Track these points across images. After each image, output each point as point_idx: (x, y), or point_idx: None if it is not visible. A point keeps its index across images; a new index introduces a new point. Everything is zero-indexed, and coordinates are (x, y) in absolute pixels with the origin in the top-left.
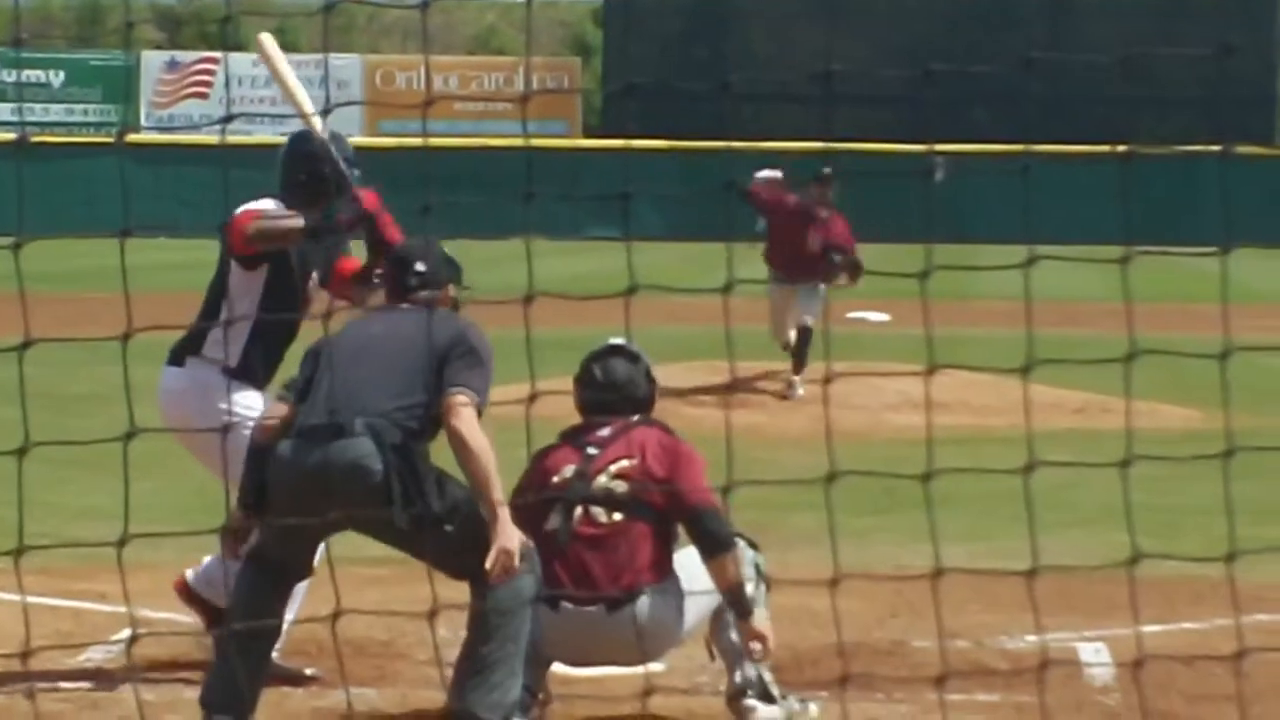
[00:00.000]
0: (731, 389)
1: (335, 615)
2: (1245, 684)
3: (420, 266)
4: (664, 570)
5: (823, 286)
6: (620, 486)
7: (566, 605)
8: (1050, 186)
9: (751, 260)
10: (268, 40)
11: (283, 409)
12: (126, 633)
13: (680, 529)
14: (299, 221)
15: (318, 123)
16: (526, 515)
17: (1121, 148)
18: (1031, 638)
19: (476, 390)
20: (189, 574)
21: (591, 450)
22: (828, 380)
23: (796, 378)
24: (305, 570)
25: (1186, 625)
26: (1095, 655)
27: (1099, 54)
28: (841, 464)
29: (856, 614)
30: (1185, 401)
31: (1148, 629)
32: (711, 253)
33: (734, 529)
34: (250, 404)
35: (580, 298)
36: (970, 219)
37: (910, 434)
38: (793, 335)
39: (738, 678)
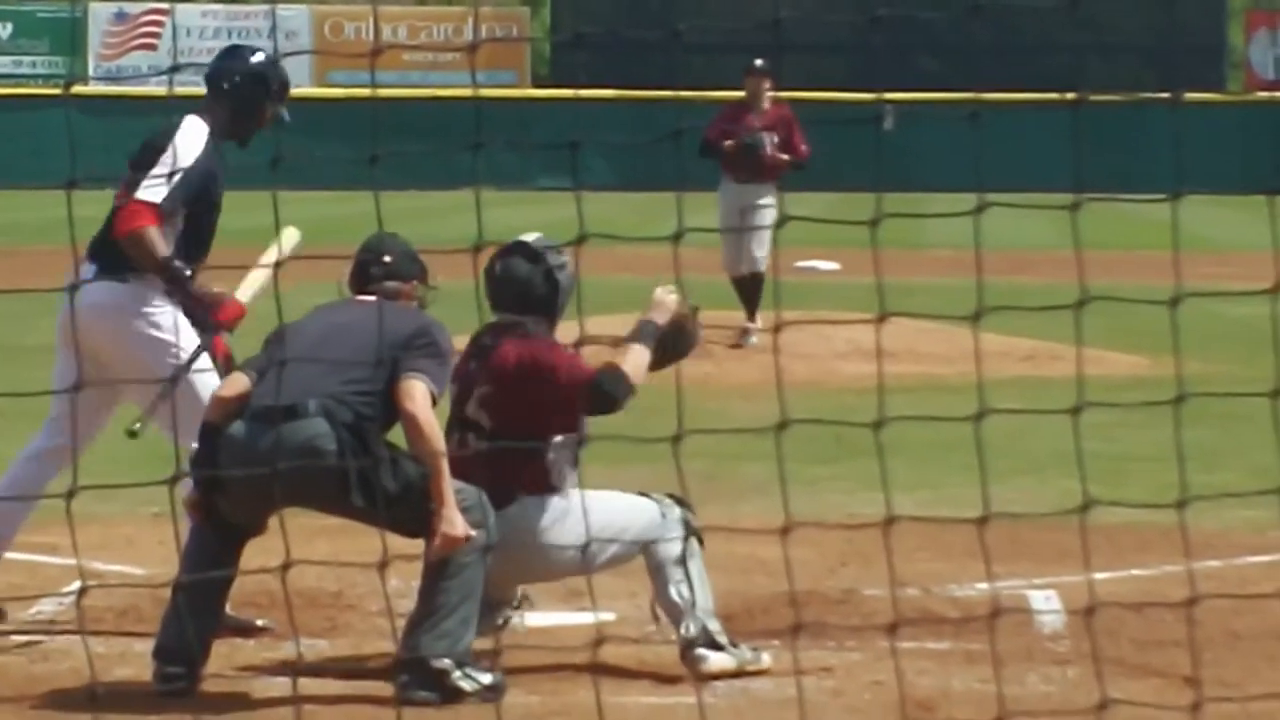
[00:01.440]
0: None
1: (285, 566)
2: (1195, 630)
3: (387, 258)
4: (541, 487)
5: (770, 199)
6: (483, 418)
7: None
8: (999, 134)
9: (701, 209)
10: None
11: (242, 383)
12: (77, 585)
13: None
14: (162, 258)
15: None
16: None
17: (1071, 95)
18: (982, 585)
19: (433, 379)
20: None
21: (472, 364)
22: (777, 329)
23: (751, 325)
24: (259, 531)
25: (1136, 572)
26: (1045, 603)
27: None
28: (791, 413)
29: (807, 563)
30: (1133, 348)
31: (1098, 576)
32: (661, 202)
33: (662, 494)
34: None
35: None
36: (919, 167)
37: (860, 382)
38: (746, 269)
39: (683, 630)
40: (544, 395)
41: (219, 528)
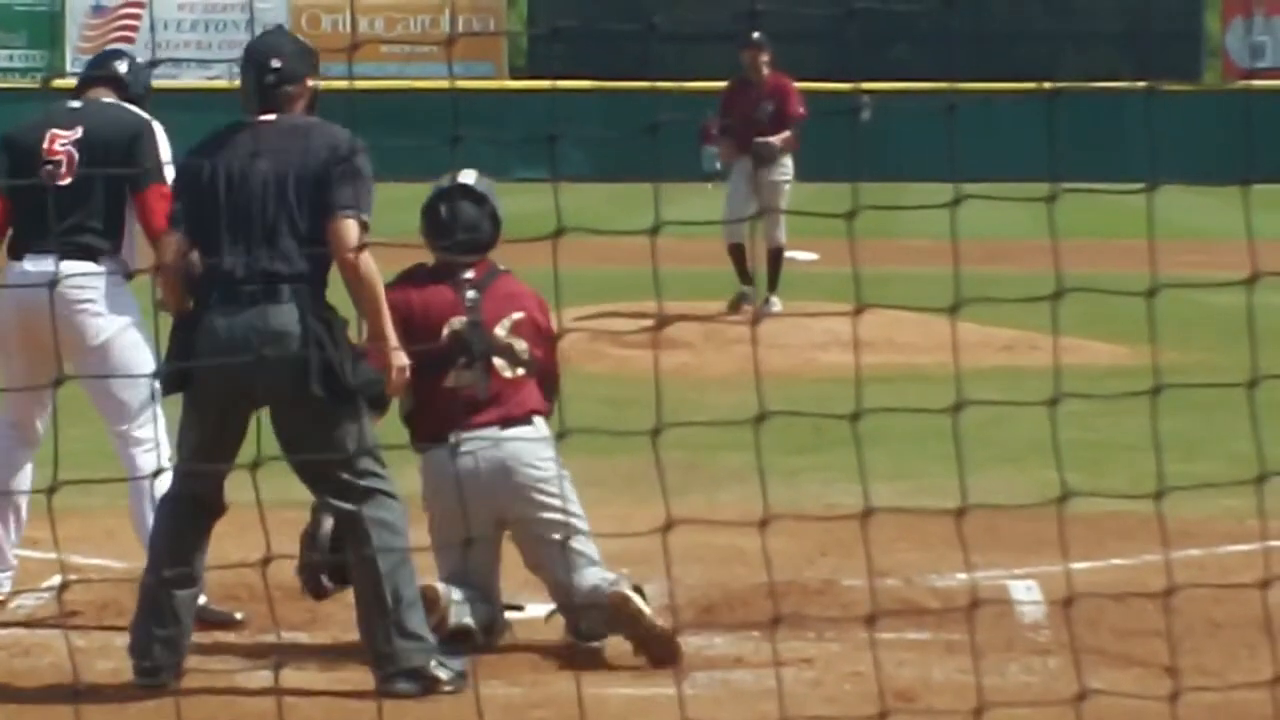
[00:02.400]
0: (659, 328)
1: (266, 560)
2: (1174, 620)
3: (275, 63)
4: (542, 409)
5: (785, 172)
6: (519, 343)
7: (463, 435)
8: (976, 124)
9: (680, 200)
10: None
11: (179, 241)
12: (57, 579)
13: None
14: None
15: None
16: (419, 360)
17: (1047, 85)
18: (961, 575)
19: (362, 206)
20: None
21: (471, 294)
22: (755, 320)
23: (774, 296)
24: (221, 502)
25: (1116, 561)
26: (1025, 593)
27: None
28: (770, 404)
29: (786, 553)
30: (1112, 338)
31: (1077, 566)
32: (638, 193)
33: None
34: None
35: (508, 240)
36: (896, 157)
37: (838, 373)
38: (767, 245)
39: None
40: (549, 343)
41: (181, 513)
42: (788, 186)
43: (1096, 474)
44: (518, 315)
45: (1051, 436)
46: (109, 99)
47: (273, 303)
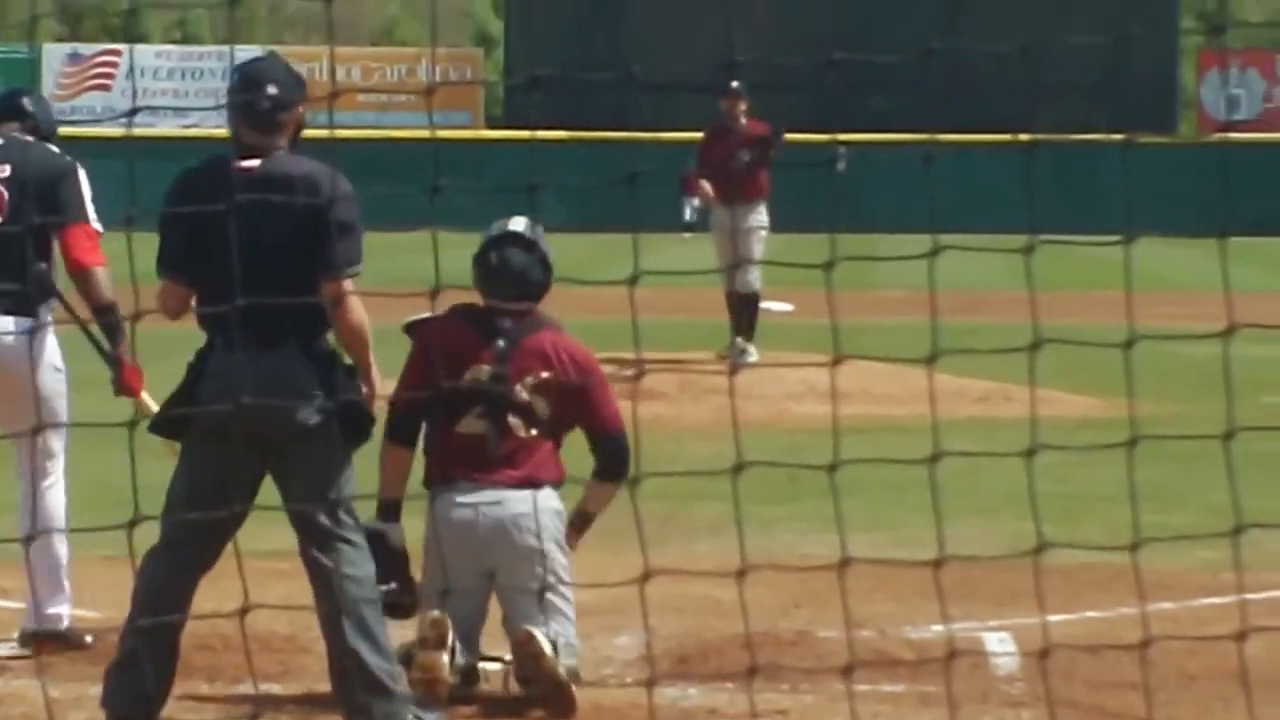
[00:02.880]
0: (638, 378)
1: (244, 611)
2: (1149, 672)
3: (272, 89)
4: (558, 476)
5: (760, 219)
6: (540, 403)
7: (464, 484)
8: (952, 175)
9: (659, 250)
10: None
11: (179, 290)
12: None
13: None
14: (109, 300)
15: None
16: (432, 401)
17: (1024, 136)
18: (937, 627)
19: (355, 258)
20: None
21: (501, 344)
22: (733, 371)
23: (750, 345)
24: (212, 557)
25: (1090, 614)
26: (1000, 644)
27: (998, 41)
28: (746, 454)
29: (761, 604)
30: (1085, 389)
31: (1052, 618)
32: (615, 243)
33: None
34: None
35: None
36: (871, 207)
37: (813, 423)
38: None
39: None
40: (590, 404)
41: (168, 564)
42: (764, 233)
43: (1071, 525)
44: (544, 374)
45: (1028, 487)
46: (28, 137)
47: (274, 347)
